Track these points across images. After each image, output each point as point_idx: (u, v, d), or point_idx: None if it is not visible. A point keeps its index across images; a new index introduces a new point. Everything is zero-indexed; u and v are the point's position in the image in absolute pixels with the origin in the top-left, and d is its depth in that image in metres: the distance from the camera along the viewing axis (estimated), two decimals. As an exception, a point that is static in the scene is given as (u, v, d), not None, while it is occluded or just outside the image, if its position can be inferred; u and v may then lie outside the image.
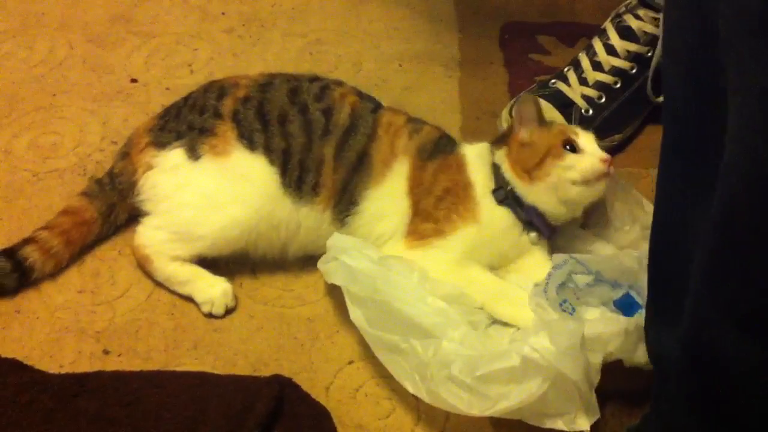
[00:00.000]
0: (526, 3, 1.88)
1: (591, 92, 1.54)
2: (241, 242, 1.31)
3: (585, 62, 1.55)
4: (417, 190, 1.31)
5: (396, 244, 1.30)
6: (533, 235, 1.31)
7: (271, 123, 1.32)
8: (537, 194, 1.28)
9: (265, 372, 1.22)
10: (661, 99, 1.57)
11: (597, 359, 1.11)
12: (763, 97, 0.76)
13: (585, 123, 1.49)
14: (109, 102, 1.61)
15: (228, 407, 1.14)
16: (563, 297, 1.20)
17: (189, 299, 1.31)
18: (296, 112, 1.32)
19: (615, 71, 1.54)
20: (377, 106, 1.37)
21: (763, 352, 0.86)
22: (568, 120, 1.50)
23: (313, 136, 1.31)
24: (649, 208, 1.33)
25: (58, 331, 1.27)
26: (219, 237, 1.30)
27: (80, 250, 1.34)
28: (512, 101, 1.56)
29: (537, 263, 1.29)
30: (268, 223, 1.30)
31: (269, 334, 1.28)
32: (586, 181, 1.26)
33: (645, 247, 1.26)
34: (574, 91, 1.54)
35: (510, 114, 1.53)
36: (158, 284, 1.32)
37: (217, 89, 1.36)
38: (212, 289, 1.30)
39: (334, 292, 1.29)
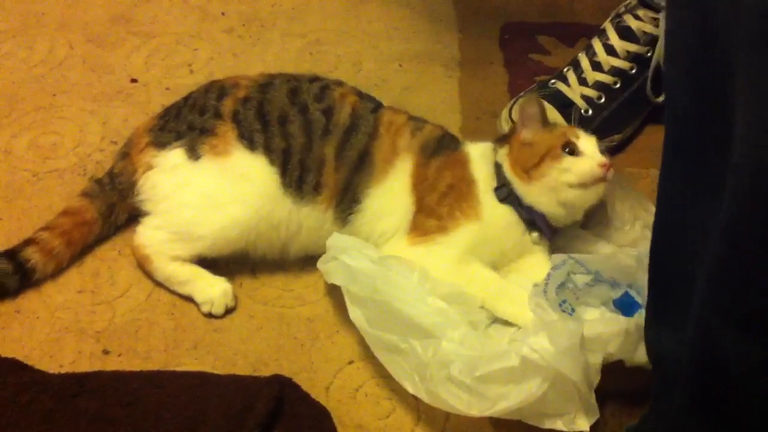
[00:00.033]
0: (526, 3, 1.88)
1: (591, 92, 1.54)
2: (241, 242, 1.31)
3: (585, 62, 1.55)
4: (420, 186, 1.31)
5: (399, 240, 1.30)
6: (535, 235, 1.31)
7: (271, 123, 1.32)
8: (534, 194, 1.29)
9: (265, 372, 1.22)
10: (660, 99, 1.57)
11: (597, 359, 1.11)
12: None
13: (584, 123, 1.49)
14: (109, 102, 1.61)
15: (228, 407, 1.14)
16: (562, 297, 1.20)
17: (189, 299, 1.31)
18: (296, 112, 1.32)
19: (615, 71, 1.54)
20: (378, 106, 1.37)
21: (763, 352, 0.86)
22: (568, 120, 1.50)
23: (314, 136, 1.31)
24: (650, 206, 1.33)
25: (58, 331, 1.27)
26: (219, 237, 1.30)
27: (81, 251, 1.35)
28: (512, 101, 1.56)
29: (538, 263, 1.29)
30: (268, 223, 1.30)
31: (269, 334, 1.28)
32: (582, 185, 1.26)
33: (645, 246, 1.27)
34: (574, 92, 1.54)
35: (510, 114, 1.53)
36: (158, 284, 1.32)
37: (217, 89, 1.36)
38: (212, 289, 1.30)
39: (334, 292, 1.29)
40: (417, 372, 1.12)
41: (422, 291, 1.19)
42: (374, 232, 1.31)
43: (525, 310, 1.20)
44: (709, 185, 0.90)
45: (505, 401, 1.08)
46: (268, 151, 1.30)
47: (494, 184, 1.31)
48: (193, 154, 1.30)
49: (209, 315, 1.29)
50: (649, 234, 1.29)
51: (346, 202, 1.31)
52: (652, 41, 1.54)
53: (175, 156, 1.31)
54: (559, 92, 1.54)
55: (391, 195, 1.31)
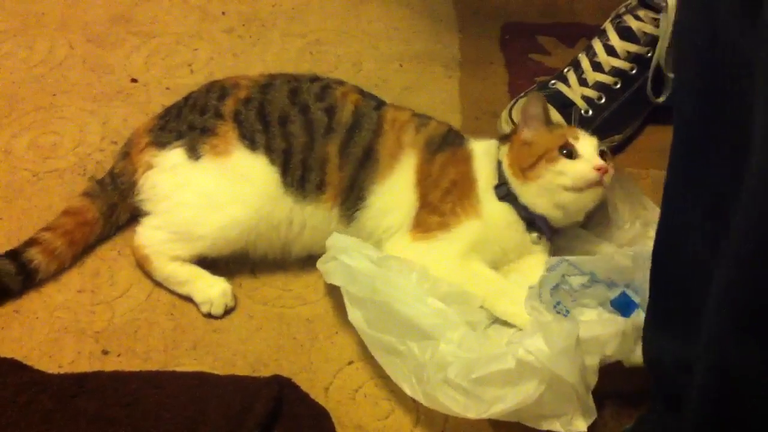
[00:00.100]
0: (526, 3, 1.88)
1: (591, 93, 1.54)
2: (241, 242, 1.31)
3: (585, 63, 1.55)
4: (425, 182, 1.31)
5: (402, 237, 1.30)
6: (534, 235, 1.31)
7: (272, 124, 1.32)
8: (530, 195, 1.29)
9: (265, 372, 1.22)
10: (661, 100, 1.57)
11: (594, 361, 1.11)
12: None
13: (585, 124, 1.49)
14: (109, 102, 1.61)
15: (227, 408, 1.14)
16: (557, 299, 1.21)
17: (188, 299, 1.31)
18: (297, 112, 1.32)
19: (615, 72, 1.54)
20: (380, 104, 1.37)
21: (762, 352, 0.85)
22: (568, 120, 1.50)
23: (316, 135, 1.31)
24: (650, 204, 1.33)
25: (57, 331, 1.27)
26: (218, 237, 1.30)
27: (82, 251, 1.35)
28: (512, 102, 1.56)
29: (538, 263, 1.29)
30: (268, 223, 1.30)
31: (269, 334, 1.28)
32: (576, 188, 1.26)
33: (644, 244, 1.27)
34: (574, 92, 1.53)
35: (510, 115, 1.53)
36: (158, 284, 1.32)
37: (218, 90, 1.36)
38: (211, 289, 1.30)
39: (334, 293, 1.29)
40: (414, 374, 1.13)
41: (421, 291, 1.19)
42: (379, 227, 1.32)
43: (524, 311, 1.20)
44: (710, 186, 0.90)
45: (501, 403, 1.08)
46: (269, 151, 1.30)
47: (495, 182, 1.31)
48: (194, 153, 1.30)
49: (208, 315, 1.29)
50: (648, 232, 1.30)
51: (352, 200, 1.31)
52: (652, 42, 1.54)
53: (175, 156, 1.31)
54: (560, 93, 1.54)
55: (395, 191, 1.31)
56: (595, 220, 1.35)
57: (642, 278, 1.21)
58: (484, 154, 1.34)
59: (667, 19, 1.51)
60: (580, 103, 1.53)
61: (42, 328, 1.27)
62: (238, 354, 1.25)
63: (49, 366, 1.22)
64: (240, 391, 1.16)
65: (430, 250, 1.27)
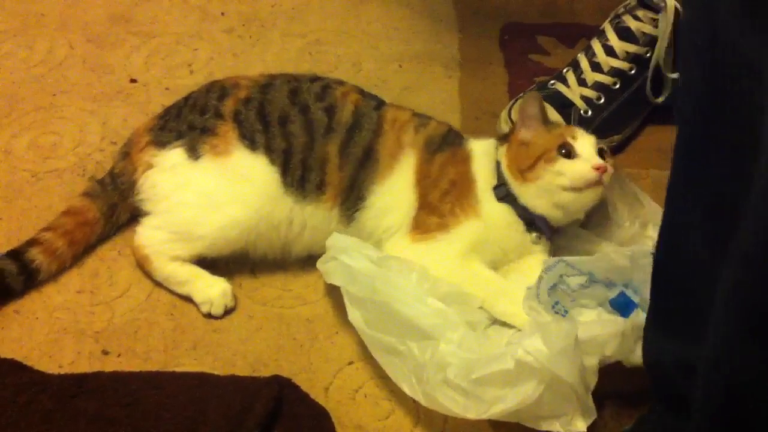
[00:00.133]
0: (526, 3, 1.88)
1: (590, 93, 1.54)
2: (241, 242, 1.31)
3: (584, 63, 1.55)
4: (424, 182, 1.31)
5: (402, 237, 1.30)
6: (534, 235, 1.31)
7: (272, 124, 1.32)
8: (529, 196, 1.29)
9: (265, 372, 1.22)
10: (660, 100, 1.57)
11: (593, 361, 1.11)
12: None
13: (584, 124, 1.49)
14: (109, 102, 1.61)
15: (227, 408, 1.14)
16: (555, 299, 1.21)
17: (188, 299, 1.31)
18: (297, 112, 1.32)
19: (614, 72, 1.54)
20: (380, 104, 1.37)
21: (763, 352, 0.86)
22: (567, 121, 1.50)
23: (316, 135, 1.31)
24: (649, 202, 1.33)
25: (57, 331, 1.27)
26: (218, 237, 1.30)
27: (83, 251, 1.35)
28: (512, 102, 1.56)
29: (538, 264, 1.28)
30: (268, 223, 1.30)
31: (268, 334, 1.28)
32: (575, 188, 1.26)
33: (643, 243, 1.27)
34: (573, 92, 1.54)
35: (509, 115, 1.53)
36: (158, 284, 1.32)
37: (218, 90, 1.36)
38: (211, 289, 1.30)
39: (334, 293, 1.29)
40: (414, 374, 1.13)
41: (421, 291, 1.19)
42: (379, 227, 1.32)
43: (523, 311, 1.20)
44: (710, 186, 0.90)
45: (501, 404, 1.08)
46: (269, 151, 1.30)
47: (494, 182, 1.31)
48: (193, 153, 1.30)
49: (208, 315, 1.29)
50: (647, 231, 1.30)
51: (352, 200, 1.31)
52: (651, 42, 1.54)
53: (175, 155, 1.31)
54: (559, 93, 1.54)
55: (395, 191, 1.31)
56: (595, 220, 1.35)
57: (640, 278, 1.21)
58: (483, 154, 1.34)
59: (666, 19, 1.51)
60: (580, 104, 1.53)
61: (42, 328, 1.27)
62: (238, 354, 1.25)
63: (49, 366, 1.22)
64: (240, 392, 1.17)
65: (429, 250, 1.27)
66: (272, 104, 1.33)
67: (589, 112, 1.53)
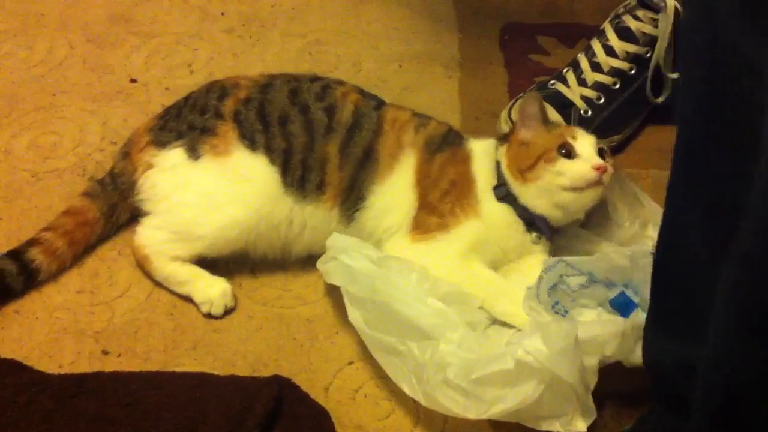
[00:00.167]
0: (526, 3, 1.88)
1: (590, 93, 1.54)
2: (241, 242, 1.31)
3: (584, 63, 1.55)
4: (424, 182, 1.31)
5: (402, 237, 1.30)
6: (534, 235, 1.31)
7: (272, 124, 1.32)
8: (529, 196, 1.29)
9: (265, 372, 1.22)
10: (660, 100, 1.57)
11: (593, 362, 1.11)
12: None
13: (584, 124, 1.49)
14: (109, 102, 1.61)
15: (227, 408, 1.14)
16: (555, 299, 1.21)
17: (188, 299, 1.31)
18: (297, 112, 1.32)
19: (614, 72, 1.54)
20: (380, 103, 1.37)
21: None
22: (567, 121, 1.50)
23: (316, 135, 1.31)
24: (649, 202, 1.33)
25: (57, 331, 1.27)
26: (218, 237, 1.30)
27: (83, 251, 1.35)
28: (512, 102, 1.56)
29: (538, 264, 1.28)
30: (268, 223, 1.30)
31: (268, 334, 1.28)
32: (575, 188, 1.26)
33: (643, 243, 1.27)
34: (573, 92, 1.54)
35: (509, 115, 1.53)
36: (158, 284, 1.32)
37: (218, 90, 1.36)
38: (211, 289, 1.30)
39: (334, 293, 1.29)
40: (414, 374, 1.13)
41: (421, 291, 1.19)
42: (379, 227, 1.32)
43: (523, 311, 1.20)
44: (710, 186, 0.90)
45: (501, 404, 1.08)
46: (269, 151, 1.30)
47: (494, 182, 1.31)
48: (193, 153, 1.30)
49: (208, 315, 1.29)
50: (647, 231, 1.30)
51: (352, 200, 1.31)
52: (651, 42, 1.54)
53: (175, 155, 1.31)
54: (559, 93, 1.54)
55: (395, 191, 1.31)
56: (595, 220, 1.35)
57: (640, 278, 1.21)
58: (483, 154, 1.34)
59: (666, 19, 1.51)
60: (580, 104, 1.53)
61: (42, 328, 1.27)
62: (238, 354, 1.25)
63: (49, 366, 1.22)
64: (240, 391, 1.17)
65: (429, 251, 1.27)
66: (272, 104, 1.33)
67: (589, 112, 1.53)
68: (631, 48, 1.55)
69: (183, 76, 1.66)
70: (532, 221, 1.30)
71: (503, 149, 1.32)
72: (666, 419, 1.07)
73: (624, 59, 1.55)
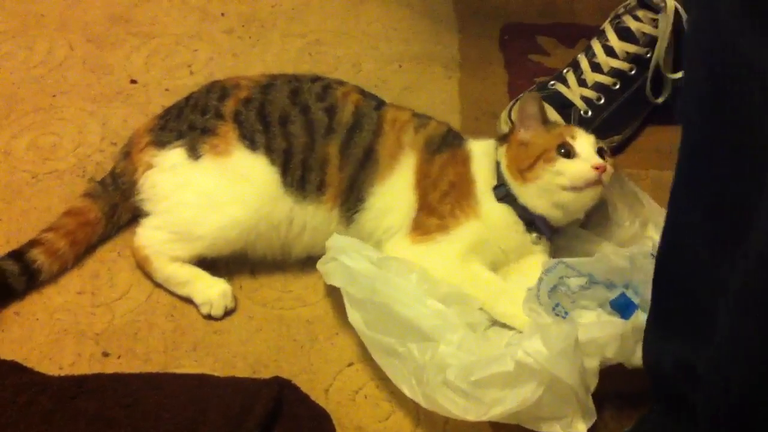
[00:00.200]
0: (525, 3, 1.88)
1: (590, 93, 1.54)
2: (241, 242, 1.31)
3: (584, 63, 1.55)
4: (424, 183, 1.31)
5: (402, 239, 1.30)
6: (534, 235, 1.31)
7: (273, 124, 1.32)
8: (529, 196, 1.29)
9: (265, 373, 1.22)
10: (660, 100, 1.57)
11: (593, 363, 1.11)
12: None
13: (584, 124, 1.49)
14: (109, 103, 1.61)
15: (227, 409, 1.14)
16: (555, 301, 1.20)
17: (188, 300, 1.31)
18: (297, 112, 1.32)
19: (614, 72, 1.54)
20: (380, 104, 1.37)
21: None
22: (567, 121, 1.50)
23: (316, 135, 1.31)
24: (649, 202, 1.33)
25: (57, 332, 1.27)
26: (218, 237, 1.30)
27: (84, 251, 1.35)
28: (512, 103, 1.56)
29: (538, 264, 1.28)
30: (268, 224, 1.30)
31: (268, 335, 1.28)
32: (575, 188, 1.26)
33: (645, 243, 1.27)
34: (573, 93, 1.53)
35: (509, 115, 1.53)
36: (158, 285, 1.32)
37: (218, 90, 1.36)
38: (211, 290, 1.30)
39: (334, 294, 1.29)
40: (414, 376, 1.13)
41: (421, 293, 1.19)
42: (379, 228, 1.32)
43: (523, 313, 1.20)
44: (710, 186, 0.90)
45: (501, 406, 1.08)
46: (269, 152, 1.30)
47: (494, 182, 1.31)
48: (194, 153, 1.30)
49: (208, 316, 1.29)
50: (647, 231, 1.30)
51: (352, 201, 1.31)
52: (651, 42, 1.54)
53: (175, 155, 1.31)
54: (559, 93, 1.54)
55: (395, 192, 1.31)
56: (595, 220, 1.35)
57: (640, 279, 1.21)
58: (482, 154, 1.34)
59: (666, 19, 1.51)
60: (580, 104, 1.53)
61: (42, 329, 1.27)
62: (238, 355, 1.25)
63: (50, 368, 1.22)
64: (240, 392, 1.16)
65: (429, 252, 1.27)
66: (273, 104, 1.33)
67: (589, 113, 1.53)
68: (631, 48, 1.54)
69: (183, 77, 1.66)
70: (532, 221, 1.30)
71: (503, 149, 1.32)
72: (666, 420, 1.07)
73: (624, 59, 1.55)
